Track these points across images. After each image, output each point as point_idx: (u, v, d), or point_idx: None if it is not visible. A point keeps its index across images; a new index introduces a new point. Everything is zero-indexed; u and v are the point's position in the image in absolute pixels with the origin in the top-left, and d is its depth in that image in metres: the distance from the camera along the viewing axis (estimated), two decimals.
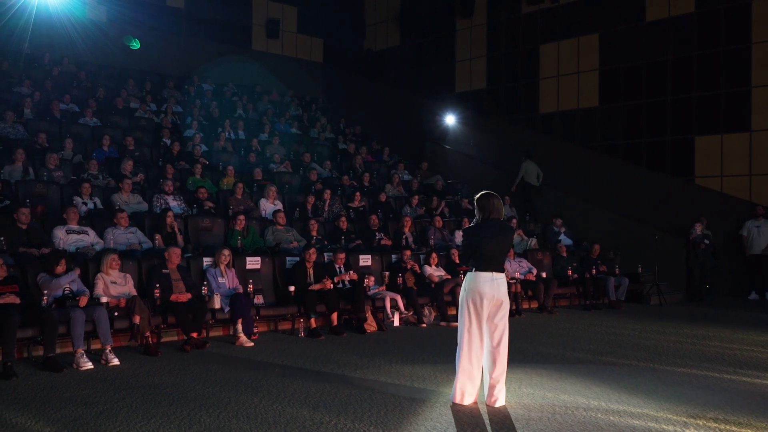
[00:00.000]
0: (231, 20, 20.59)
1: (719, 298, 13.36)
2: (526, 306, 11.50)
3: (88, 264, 7.83)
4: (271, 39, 21.32)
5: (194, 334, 7.70)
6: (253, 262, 9.23)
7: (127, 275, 7.84)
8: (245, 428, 4.69)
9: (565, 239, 13.54)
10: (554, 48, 17.03)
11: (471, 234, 5.39)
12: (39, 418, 4.91)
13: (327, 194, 12.17)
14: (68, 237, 8.41)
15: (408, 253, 10.50)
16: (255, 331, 8.33)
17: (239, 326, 8.10)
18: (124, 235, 8.96)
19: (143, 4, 18.40)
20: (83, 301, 6.99)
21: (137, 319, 7.24)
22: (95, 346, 7.24)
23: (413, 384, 6.01)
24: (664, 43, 15.15)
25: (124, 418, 4.89)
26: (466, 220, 12.45)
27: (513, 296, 10.94)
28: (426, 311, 9.94)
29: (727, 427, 4.79)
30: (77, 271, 7.40)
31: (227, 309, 8.19)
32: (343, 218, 11.29)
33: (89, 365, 6.58)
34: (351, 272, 9.59)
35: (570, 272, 12.04)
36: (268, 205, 11.38)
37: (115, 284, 7.61)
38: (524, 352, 7.64)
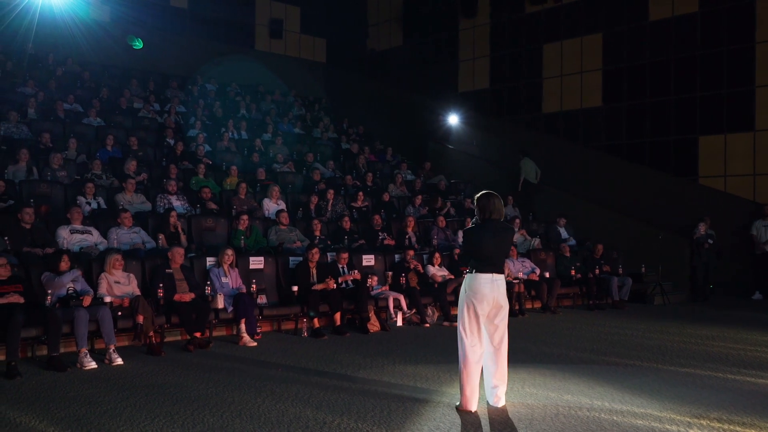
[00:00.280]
0: (234, 20, 20.61)
1: (723, 298, 13.33)
2: (529, 306, 11.49)
3: (92, 264, 7.85)
4: (274, 39, 21.34)
5: (197, 334, 7.71)
6: (256, 262, 9.24)
7: (131, 275, 7.86)
8: (248, 428, 4.69)
9: (564, 234, 13.54)
10: (557, 48, 17.01)
11: (471, 235, 5.33)
12: (43, 417, 4.92)
13: (330, 194, 12.18)
14: (72, 237, 8.43)
15: (411, 252, 10.50)
16: (258, 330, 8.34)
17: (242, 326, 8.11)
18: (128, 234, 8.97)
19: (147, 4, 18.43)
20: (87, 300, 7.00)
21: (141, 319, 7.25)
22: (99, 345, 7.25)
23: (416, 384, 6.01)
24: (667, 42, 15.13)
25: (127, 418, 4.89)
26: (468, 219, 12.45)
27: (516, 296, 10.95)
28: (429, 311, 9.94)
29: (731, 427, 4.78)
30: (79, 271, 7.41)
31: (230, 309, 8.20)
32: (346, 218, 11.29)
33: (93, 365, 6.59)
34: (355, 272, 9.59)
35: (573, 272, 12.03)
36: (272, 205, 11.39)
37: (118, 284, 7.62)
38: (527, 352, 7.63)
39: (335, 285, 9.09)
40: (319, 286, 8.95)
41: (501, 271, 5.26)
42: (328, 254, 10.01)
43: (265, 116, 17.08)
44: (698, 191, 14.51)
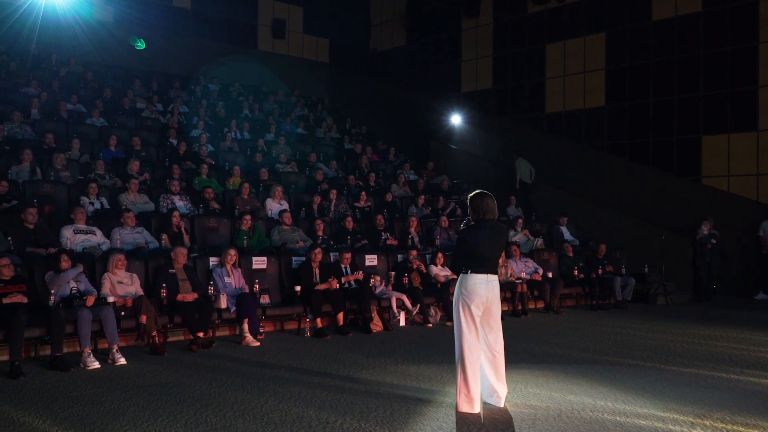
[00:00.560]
0: (237, 20, 20.63)
1: (726, 298, 13.31)
2: (532, 306, 11.48)
3: (95, 264, 7.86)
4: (277, 39, 21.35)
5: (200, 334, 7.71)
6: (259, 262, 9.25)
7: (134, 275, 7.87)
8: (251, 428, 4.70)
9: (566, 233, 13.54)
10: (560, 47, 17.00)
11: (466, 235, 5.29)
12: (46, 417, 4.93)
13: (333, 194, 12.18)
14: (75, 237, 8.44)
15: (414, 252, 10.50)
16: (261, 330, 8.35)
17: (245, 326, 8.11)
18: (131, 234, 8.98)
19: (150, 5, 18.45)
20: (90, 300, 7.02)
21: (144, 319, 7.26)
22: (102, 345, 7.26)
23: (419, 384, 6.01)
24: (670, 42, 15.11)
25: (130, 418, 4.90)
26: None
27: (519, 296, 10.96)
28: (432, 311, 9.94)
29: (734, 427, 4.78)
30: (80, 266, 7.41)
31: (233, 309, 8.21)
32: (349, 218, 11.30)
33: (96, 364, 6.60)
34: (358, 272, 9.59)
35: (576, 272, 12.02)
36: (274, 205, 11.40)
37: (121, 284, 7.63)
38: (530, 352, 7.63)
39: (338, 285, 9.09)
40: (322, 286, 8.95)
41: (495, 272, 5.25)
42: (331, 254, 10.01)
43: (268, 116, 17.09)
44: (701, 191, 14.49)
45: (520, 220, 13.38)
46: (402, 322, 9.66)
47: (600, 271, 12.04)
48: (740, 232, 13.70)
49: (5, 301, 6.62)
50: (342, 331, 8.81)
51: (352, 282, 9.50)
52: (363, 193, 12.92)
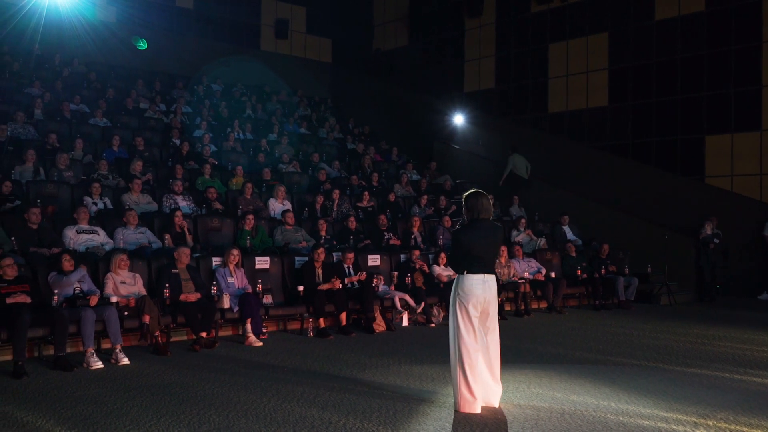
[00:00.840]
0: (240, 21, 20.64)
1: (729, 298, 13.29)
2: (534, 306, 11.48)
3: (98, 264, 7.87)
4: (280, 39, 21.36)
5: (203, 334, 7.72)
6: (262, 262, 9.25)
7: (137, 275, 7.88)
8: (254, 428, 4.70)
9: (569, 233, 13.53)
10: (563, 47, 16.98)
11: (461, 235, 5.26)
12: (50, 416, 4.94)
13: (336, 194, 12.18)
14: (78, 237, 8.46)
15: (417, 252, 10.50)
16: (264, 330, 8.35)
17: (248, 326, 8.12)
18: (134, 234, 8.99)
19: (153, 5, 18.47)
20: (93, 300, 7.03)
21: (147, 319, 7.27)
22: (105, 345, 7.27)
23: (422, 384, 6.00)
24: (673, 41, 15.08)
25: (133, 417, 4.91)
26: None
27: (522, 296, 10.96)
28: (434, 311, 9.94)
29: (738, 427, 4.77)
30: (84, 268, 7.43)
31: (236, 309, 8.21)
32: (352, 218, 11.30)
33: (99, 364, 6.61)
34: (361, 273, 9.59)
35: (579, 272, 12.01)
36: (277, 205, 11.40)
37: (124, 284, 7.64)
38: (533, 352, 7.63)
39: (341, 285, 9.09)
40: (324, 286, 8.96)
41: (492, 272, 5.21)
42: (334, 254, 10.01)
43: (271, 116, 17.10)
44: (705, 191, 14.46)
45: (523, 220, 13.37)
46: (405, 322, 9.66)
47: (603, 271, 12.03)
48: (744, 231, 13.67)
49: (9, 301, 6.63)
50: (345, 331, 8.81)
51: (355, 282, 9.50)
52: (366, 193, 12.92)
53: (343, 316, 8.96)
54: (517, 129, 17.58)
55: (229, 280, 8.50)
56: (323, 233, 10.69)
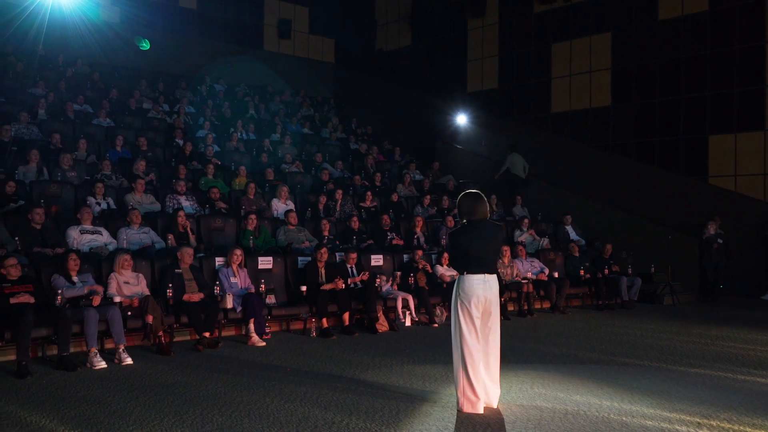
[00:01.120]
0: (243, 21, 20.65)
1: (732, 298, 13.26)
2: (538, 306, 11.47)
3: (102, 264, 7.89)
4: (283, 39, 21.37)
5: (206, 334, 7.74)
6: (265, 262, 9.26)
7: (140, 275, 7.89)
8: (257, 427, 4.70)
9: (572, 233, 13.52)
10: (566, 47, 16.97)
11: (457, 237, 5.28)
12: (53, 416, 4.95)
13: (339, 194, 12.19)
14: (82, 237, 8.47)
15: (420, 252, 10.50)
16: (267, 330, 8.36)
17: (251, 326, 8.12)
18: (137, 234, 9.01)
19: (156, 5, 18.50)
20: (97, 300, 7.04)
21: (150, 319, 7.28)
22: (109, 345, 7.29)
23: (425, 384, 6.01)
24: (677, 41, 15.06)
25: (137, 417, 4.92)
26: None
27: (525, 296, 10.95)
28: (437, 311, 9.94)
29: (741, 428, 4.76)
30: (88, 287, 7.41)
31: (239, 309, 8.22)
32: (355, 218, 11.30)
33: (103, 364, 6.63)
34: (364, 273, 9.59)
35: (582, 272, 12.00)
36: (280, 205, 11.42)
37: (128, 284, 7.66)
38: (536, 352, 7.62)
39: (344, 285, 9.09)
40: (327, 286, 8.96)
41: (493, 271, 5.18)
42: (337, 254, 10.02)
43: (274, 116, 17.11)
44: (708, 191, 14.44)
45: (526, 220, 13.36)
46: (408, 322, 9.66)
47: (606, 271, 12.02)
48: (747, 231, 13.64)
49: (12, 301, 6.64)
50: (348, 331, 8.82)
51: (358, 282, 9.51)
52: (369, 193, 12.92)
53: (346, 316, 8.96)
54: (519, 129, 17.56)
55: (232, 280, 8.51)
56: (326, 233, 10.69)
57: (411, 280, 10.03)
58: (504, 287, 10.33)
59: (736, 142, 14.19)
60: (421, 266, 10.29)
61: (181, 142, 13.46)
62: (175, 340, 7.93)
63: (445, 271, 10.47)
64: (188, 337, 8.18)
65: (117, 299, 7.32)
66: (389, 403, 5.34)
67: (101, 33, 16.49)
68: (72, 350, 6.79)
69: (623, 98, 15.94)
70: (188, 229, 9.43)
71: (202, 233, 9.92)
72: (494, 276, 5.19)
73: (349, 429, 4.67)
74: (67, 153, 10.85)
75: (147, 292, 7.73)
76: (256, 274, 8.93)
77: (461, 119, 18.25)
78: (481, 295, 5.09)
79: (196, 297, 7.89)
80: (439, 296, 10.10)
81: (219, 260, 8.85)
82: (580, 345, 8.14)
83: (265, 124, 16.52)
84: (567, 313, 11.22)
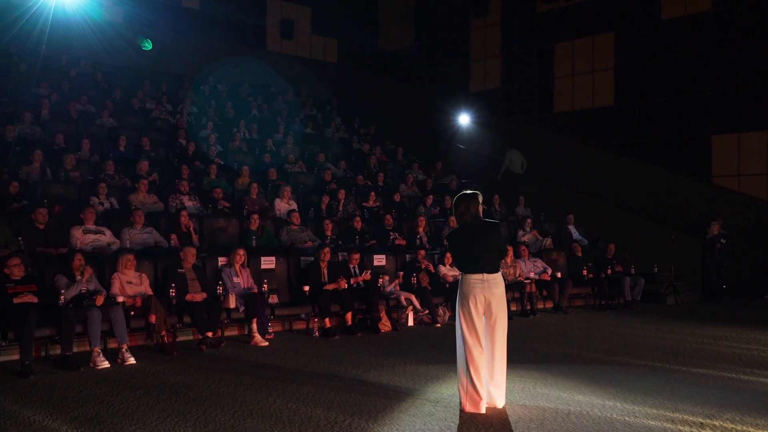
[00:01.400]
0: (245, 21, 20.65)
1: (736, 298, 13.23)
2: (540, 306, 11.45)
3: (105, 264, 7.90)
4: (286, 39, 21.36)
5: (209, 334, 7.74)
6: (267, 262, 9.27)
7: (143, 275, 7.91)
8: (260, 427, 4.71)
9: (575, 233, 13.52)
10: (569, 47, 16.96)
11: (453, 238, 5.36)
12: (56, 416, 4.96)
13: (341, 194, 12.19)
14: (85, 237, 8.48)
15: (422, 252, 10.50)
16: (270, 330, 8.37)
17: (254, 326, 8.13)
18: (140, 234, 9.02)
19: (159, 6, 18.50)
20: (100, 300, 7.05)
21: (153, 319, 7.29)
22: (112, 345, 7.29)
23: (427, 384, 6.01)
24: (680, 41, 15.04)
25: (140, 417, 4.92)
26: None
27: (528, 296, 10.94)
28: (440, 311, 9.94)
29: (744, 428, 4.75)
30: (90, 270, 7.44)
31: (242, 308, 8.23)
32: (358, 218, 11.30)
33: (106, 364, 6.64)
34: (367, 272, 9.58)
35: (585, 272, 11.99)
36: (283, 205, 11.42)
37: (131, 284, 7.67)
38: (539, 352, 7.62)
39: (346, 285, 9.10)
40: (330, 286, 8.96)
41: (493, 270, 5.16)
42: (339, 254, 10.02)
43: (277, 116, 17.12)
44: (711, 190, 14.42)
45: (529, 220, 13.36)
46: (410, 322, 9.66)
47: (609, 271, 12.00)
48: (750, 231, 13.62)
49: (16, 300, 6.66)
50: (350, 331, 8.82)
51: (361, 282, 9.51)
52: (372, 193, 12.92)
53: (349, 316, 8.96)
54: (522, 129, 17.55)
55: (235, 279, 8.52)
56: (329, 233, 10.70)
57: (414, 280, 10.03)
58: (507, 287, 10.31)
59: (739, 141, 14.17)
60: (423, 266, 10.29)
61: (184, 142, 13.47)
62: (177, 339, 7.94)
63: (448, 271, 10.47)
64: (191, 337, 8.18)
65: (120, 299, 7.33)
66: (392, 402, 5.34)
67: (104, 33, 16.50)
68: (75, 350, 6.81)
69: (626, 98, 15.93)
70: (191, 229, 9.44)
71: (205, 233, 9.93)
72: (495, 275, 5.17)
73: (351, 429, 4.67)
74: (70, 153, 10.87)
75: (150, 291, 7.74)
76: (258, 274, 8.94)
77: (464, 119, 18.25)
78: (479, 294, 5.10)
79: (199, 297, 7.91)
80: (441, 296, 10.10)
81: (222, 260, 8.87)
82: (583, 345, 8.13)
83: (267, 124, 16.52)
84: (570, 313, 11.21)
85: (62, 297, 6.94)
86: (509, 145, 15.86)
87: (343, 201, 12.15)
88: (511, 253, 11.26)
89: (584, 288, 12.06)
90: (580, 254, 12.49)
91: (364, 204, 12.61)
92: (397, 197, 13.27)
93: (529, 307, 10.93)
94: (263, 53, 20.49)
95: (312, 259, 9.47)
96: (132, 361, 6.80)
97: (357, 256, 9.73)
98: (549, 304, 11.59)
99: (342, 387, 5.87)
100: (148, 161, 11.49)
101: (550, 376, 6.31)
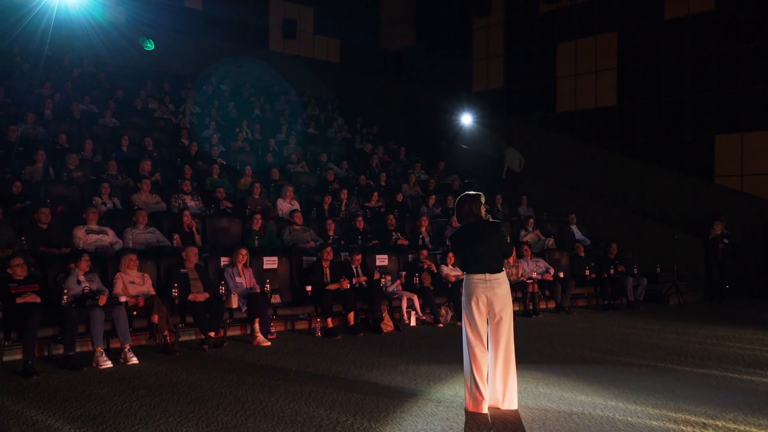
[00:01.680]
0: (248, 21, 20.68)
1: (739, 298, 13.21)
2: (543, 306, 11.45)
3: (107, 263, 7.91)
4: (288, 39, 21.39)
5: (212, 334, 7.75)
6: (270, 262, 9.28)
7: (146, 275, 7.91)
8: (262, 427, 4.71)
9: (578, 233, 13.51)
10: (572, 47, 16.94)
11: (456, 238, 5.38)
12: (59, 416, 4.97)
13: (344, 194, 12.20)
14: (88, 237, 8.50)
15: (425, 252, 10.50)
16: (272, 330, 8.38)
17: (256, 326, 8.14)
18: (143, 234, 9.03)
19: (162, 6, 18.53)
20: (102, 300, 7.06)
21: (155, 319, 7.30)
22: (114, 344, 7.30)
23: (430, 384, 6.00)
24: (683, 40, 15.03)
25: (142, 417, 4.93)
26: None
27: (530, 296, 10.94)
28: (443, 311, 9.94)
29: (747, 428, 4.75)
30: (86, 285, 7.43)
31: (244, 308, 8.23)
32: (360, 218, 11.31)
33: (108, 364, 6.65)
34: (361, 277, 9.58)
35: (587, 272, 11.98)
36: (285, 205, 11.43)
37: (133, 284, 7.68)
38: (541, 353, 7.61)
39: (349, 285, 9.10)
40: (332, 286, 8.97)
41: (495, 270, 5.15)
42: (342, 254, 10.03)
43: (279, 116, 17.13)
44: (714, 190, 14.40)
45: (532, 220, 13.35)
46: (412, 322, 9.67)
47: (612, 271, 11.99)
48: (753, 231, 13.60)
49: (19, 300, 6.68)
50: (352, 330, 8.82)
51: (363, 282, 9.51)
52: (375, 193, 12.92)
53: (351, 315, 8.97)
54: (525, 129, 17.54)
55: (238, 279, 8.53)
56: (331, 233, 10.70)
57: (416, 279, 10.03)
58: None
59: (742, 141, 14.15)
60: (426, 266, 10.29)
61: (186, 142, 13.49)
62: (180, 339, 7.94)
63: (450, 271, 10.47)
64: (193, 337, 8.19)
65: (123, 299, 7.33)
66: (394, 402, 5.34)
67: (107, 33, 16.53)
68: (78, 350, 6.80)
69: (629, 98, 15.91)
70: (194, 228, 9.45)
71: (208, 233, 9.94)
72: (498, 275, 5.16)
73: (353, 428, 4.67)
74: (73, 153, 10.88)
75: (152, 291, 7.75)
76: (261, 274, 8.95)
77: (466, 119, 18.24)
78: (482, 294, 5.10)
79: (202, 297, 7.91)
80: (444, 296, 10.10)
81: (224, 260, 8.88)
82: (586, 345, 8.13)
83: (270, 124, 16.54)
84: (572, 313, 11.21)
85: (65, 297, 6.95)
86: (506, 143, 15.90)
87: (345, 201, 12.16)
88: (514, 253, 11.26)
89: (587, 288, 12.05)
90: (582, 254, 12.48)
91: (367, 204, 12.62)
92: (399, 197, 13.27)
93: (531, 308, 10.92)
94: (266, 53, 20.52)
95: (314, 259, 9.47)
96: (134, 360, 6.81)
97: (359, 257, 9.72)
98: (551, 305, 11.58)
99: (344, 387, 5.87)
100: (151, 161, 11.51)
101: (552, 376, 6.31)
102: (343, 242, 10.78)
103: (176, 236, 9.21)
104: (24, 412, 5.06)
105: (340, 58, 22.88)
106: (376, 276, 9.59)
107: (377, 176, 14.51)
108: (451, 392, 5.68)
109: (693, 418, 4.96)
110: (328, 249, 9.34)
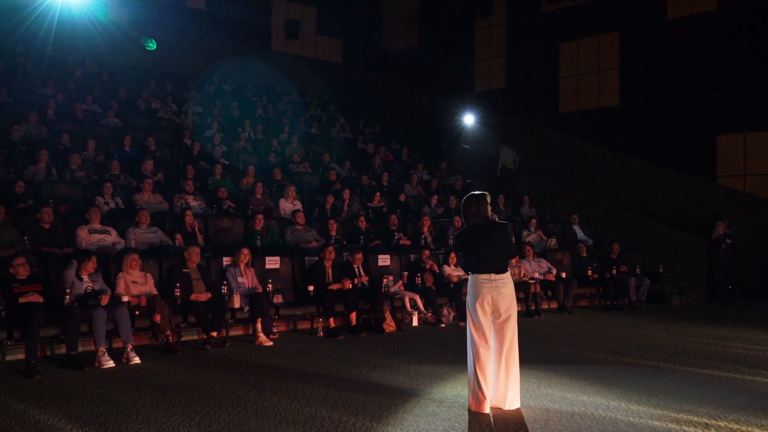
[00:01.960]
0: (251, 21, 20.69)
1: (741, 298, 13.19)
2: (545, 306, 11.45)
3: (110, 263, 7.92)
4: (291, 39, 21.39)
5: (214, 333, 7.76)
6: (272, 262, 9.28)
7: (148, 275, 7.92)
8: (264, 427, 4.71)
9: (580, 233, 13.50)
10: (574, 46, 16.93)
11: (460, 239, 5.37)
12: (61, 415, 4.97)
13: (346, 194, 12.20)
14: (90, 237, 8.51)
15: (427, 252, 10.50)
16: (274, 330, 8.38)
17: (258, 325, 8.14)
18: (145, 234, 9.04)
19: (164, 6, 18.54)
20: (105, 300, 7.06)
21: (158, 318, 7.30)
22: (117, 344, 7.31)
23: (432, 384, 6.00)
24: (685, 40, 15.00)
25: (144, 416, 4.93)
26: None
27: (532, 297, 10.93)
28: (445, 311, 9.94)
29: (749, 429, 4.74)
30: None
31: (246, 308, 8.24)
32: (362, 218, 11.32)
33: (111, 363, 6.66)
34: (363, 277, 9.58)
35: (590, 272, 11.97)
36: (288, 205, 11.43)
37: (136, 283, 7.68)
38: (543, 353, 7.61)
39: (351, 285, 9.10)
40: (335, 286, 8.97)
41: (500, 271, 5.15)
42: (344, 254, 10.03)
43: (282, 116, 17.14)
44: (716, 191, 14.38)
45: (534, 220, 13.34)
46: (414, 322, 9.66)
47: (614, 271, 11.98)
48: (756, 231, 13.58)
49: (21, 300, 6.69)
50: (355, 330, 8.83)
51: (365, 282, 9.51)
52: (377, 193, 12.93)
53: (353, 315, 8.97)
54: (527, 129, 17.54)
55: (240, 279, 8.53)
56: (333, 233, 10.70)
57: (418, 279, 10.03)
58: None
59: (745, 141, 14.13)
60: (428, 266, 10.29)
61: (189, 142, 13.50)
62: (182, 339, 7.95)
63: (452, 271, 10.47)
64: (196, 337, 8.20)
65: (125, 299, 7.34)
66: (396, 402, 5.34)
67: (110, 33, 16.54)
68: (80, 349, 6.82)
69: (631, 98, 15.90)
70: (196, 228, 9.46)
71: (210, 233, 9.95)
72: (503, 276, 5.16)
73: (355, 428, 4.67)
74: (75, 153, 10.90)
75: (155, 291, 7.76)
76: (263, 274, 8.95)
77: (468, 119, 18.23)
78: (487, 294, 5.10)
79: (204, 296, 7.92)
80: (446, 296, 10.10)
81: (226, 260, 8.88)
82: (588, 345, 8.12)
83: (272, 124, 16.55)
84: (574, 313, 11.20)
85: (67, 297, 6.96)
86: (501, 141, 15.93)
87: (347, 201, 12.16)
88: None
89: (589, 288, 12.05)
90: (584, 254, 12.47)
91: (369, 204, 12.62)
92: (401, 197, 13.27)
93: (533, 308, 10.92)
94: (268, 53, 20.53)
95: (316, 258, 9.48)
96: (137, 360, 6.82)
97: (360, 257, 9.71)
98: (554, 305, 11.58)
99: (346, 387, 5.87)
100: (153, 161, 11.52)
101: (554, 377, 6.30)
102: (345, 242, 10.78)
103: (178, 236, 9.21)
104: (26, 411, 5.07)
105: (343, 58, 22.89)
106: (364, 279, 9.55)
107: (379, 176, 14.52)
108: (453, 392, 5.68)
109: (695, 419, 4.96)
110: (330, 249, 9.35)
